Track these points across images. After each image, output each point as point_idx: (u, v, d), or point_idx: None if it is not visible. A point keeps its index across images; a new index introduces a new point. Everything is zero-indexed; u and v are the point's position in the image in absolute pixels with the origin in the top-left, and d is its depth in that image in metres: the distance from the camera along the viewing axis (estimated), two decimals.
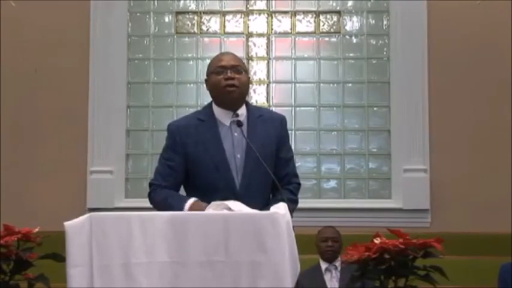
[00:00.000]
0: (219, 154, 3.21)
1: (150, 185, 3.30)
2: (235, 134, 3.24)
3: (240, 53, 6.55)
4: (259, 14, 6.81)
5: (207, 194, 3.08)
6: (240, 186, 3.18)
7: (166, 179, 3.25)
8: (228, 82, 3.22)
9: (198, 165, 3.22)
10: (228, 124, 3.26)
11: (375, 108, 6.66)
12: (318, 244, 5.34)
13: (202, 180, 3.21)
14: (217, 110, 3.29)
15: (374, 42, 6.72)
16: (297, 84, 6.70)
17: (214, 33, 6.79)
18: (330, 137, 6.66)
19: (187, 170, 3.25)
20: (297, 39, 6.76)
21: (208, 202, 2.99)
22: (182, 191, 3.33)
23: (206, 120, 3.28)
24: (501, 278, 4.88)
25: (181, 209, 3.03)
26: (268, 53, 6.76)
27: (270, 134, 3.29)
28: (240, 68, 3.28)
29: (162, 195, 3.20)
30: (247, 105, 3.34)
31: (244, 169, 3.20)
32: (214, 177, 3.18)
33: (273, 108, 6.33)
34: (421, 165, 6.36)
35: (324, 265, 5.27)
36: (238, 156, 3.22)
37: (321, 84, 6.69)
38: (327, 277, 5.22)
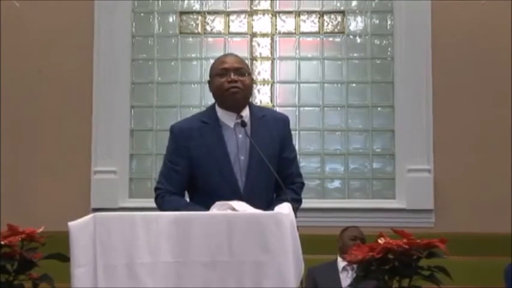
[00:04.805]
0: (223, 158, 3.20)
1: (156, 189, 3.28)
2: (240, 136, 3.24)
3: (244, 53, 6.56)
4: (263, 14, 6.81)
5: (211, 197, 3.04)
6: (244, 188, 3.18)
7: (173, 183, 3.24)
8: (231, 85, 3.21)
9: (201, 168, 3.22)
10: (232, 126, 3.25)
11: (379, 108, 6.66)
12: (345, 241, 5.16)
13: (205, 183, 3.21)
14: (220, 112, 3.28)
15: (378, 42, 6.72)
16: (301, 85, 6.70)
17: (219, 34, 6.79)
18: (334, 137, 6.65)
19: (191, 172, 3.24)
20: (301, 39, 6.75)
21: (212, 205, 2.98)
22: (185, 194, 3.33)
23: (209, 122, 3.27)
24: (509, 276, 4.81)
25: None
26: (272, 53, 6.76)
27: (273, 134, 3.29)
28: (243, 70, 3.27)
29: (173, 205, 3.14)
30: (250, 105, 3.33)
31: (248, 171, 3.20)
32: (218, 180, 3.18)
33: (277, 108, 6.33)
34: (425, 165, 6.35)
35: (342, 263, 5.14)
36: (242, 158, 3.21)
37: (325, 84, 6.68)
38: (342, 275, 5.12)
